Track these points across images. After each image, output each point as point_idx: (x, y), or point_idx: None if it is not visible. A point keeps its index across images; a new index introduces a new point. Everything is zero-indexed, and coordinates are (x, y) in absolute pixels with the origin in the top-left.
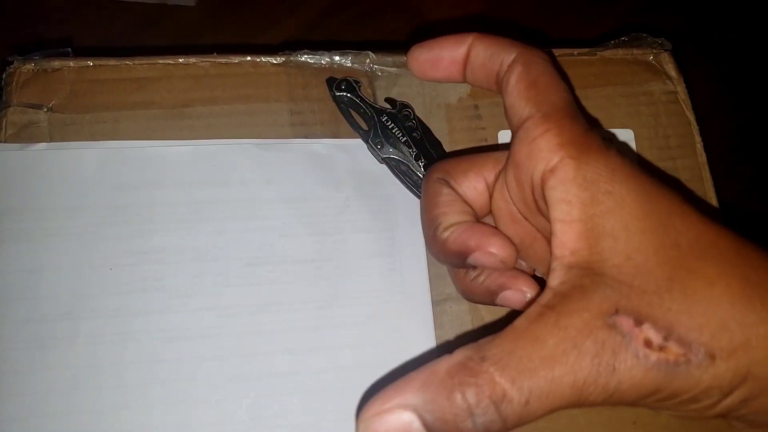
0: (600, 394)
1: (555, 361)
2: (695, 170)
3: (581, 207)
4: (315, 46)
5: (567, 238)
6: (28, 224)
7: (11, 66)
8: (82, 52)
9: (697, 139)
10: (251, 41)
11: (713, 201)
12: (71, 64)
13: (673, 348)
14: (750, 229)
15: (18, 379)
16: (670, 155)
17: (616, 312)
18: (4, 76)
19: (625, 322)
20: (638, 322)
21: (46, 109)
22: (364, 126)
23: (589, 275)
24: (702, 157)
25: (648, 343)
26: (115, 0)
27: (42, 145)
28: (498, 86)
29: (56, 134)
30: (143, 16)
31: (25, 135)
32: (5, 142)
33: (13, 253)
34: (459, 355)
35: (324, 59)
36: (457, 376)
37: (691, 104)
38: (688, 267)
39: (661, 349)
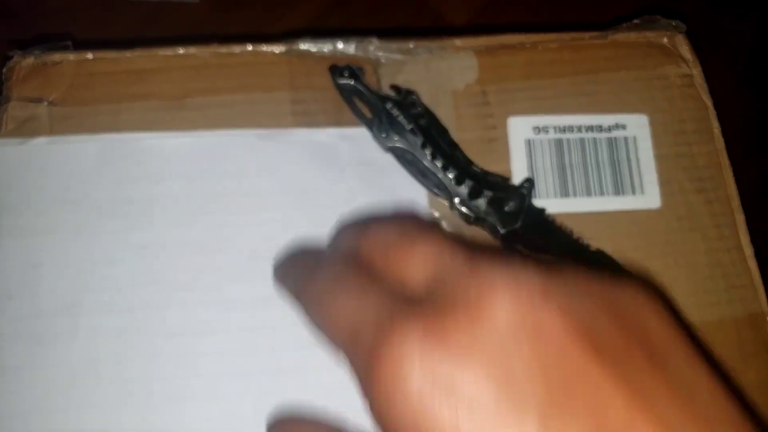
0: None
1: None
2: (713, 156)
3: None
4: (318, 35)
5: None
6: (27, 219)
7: (11, 60)
8: (82, 45)
9: (715, 124)
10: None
11: (732, 189)
12: (71, 57)
13: None
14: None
15: (17, 375)
16: (686, 141)
17: None
18: (4, 70)
19: None
20: None
21: (46, 103)
22: (369, 114)
23: None
24: (720, 143)
25: None
26: None
27: (42, 139)
28: None
29: (57, 128)
30: (146, 14)
31: (26, 129)
32: (6, 137)
33: (12, 247)
34: None
35: (326, 47)
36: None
37: (707, 88)
38: None
39: None
